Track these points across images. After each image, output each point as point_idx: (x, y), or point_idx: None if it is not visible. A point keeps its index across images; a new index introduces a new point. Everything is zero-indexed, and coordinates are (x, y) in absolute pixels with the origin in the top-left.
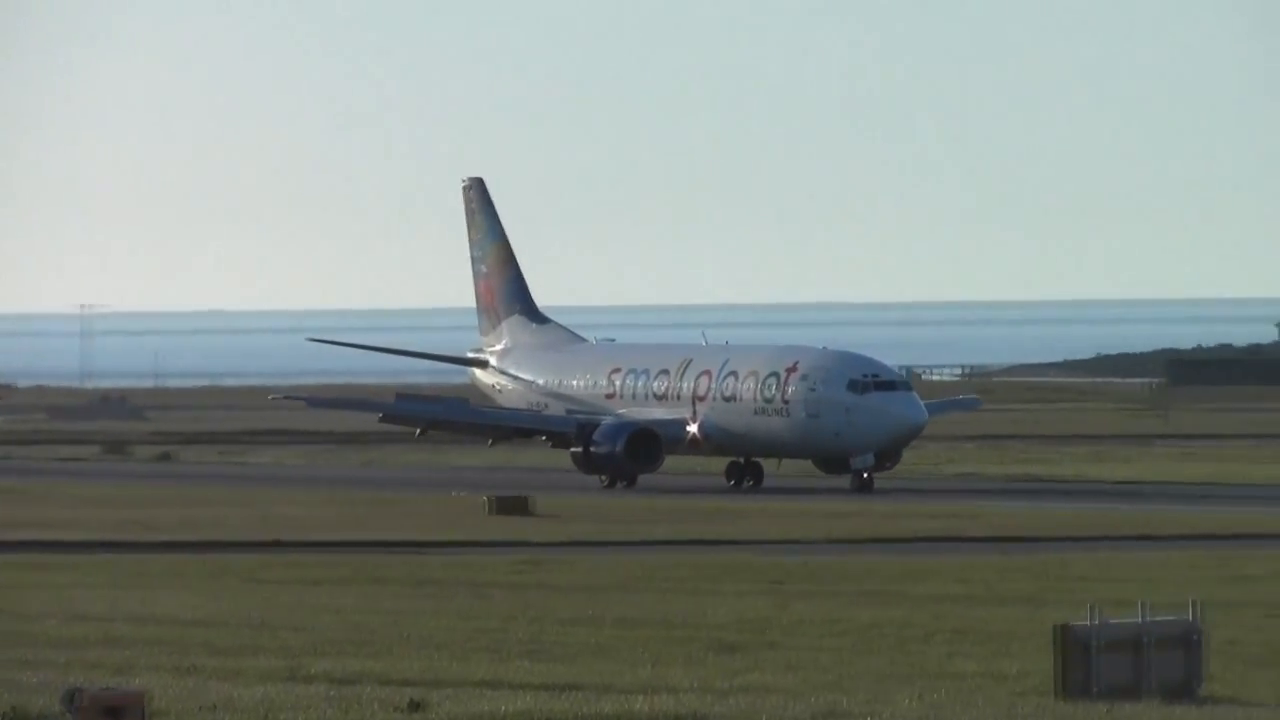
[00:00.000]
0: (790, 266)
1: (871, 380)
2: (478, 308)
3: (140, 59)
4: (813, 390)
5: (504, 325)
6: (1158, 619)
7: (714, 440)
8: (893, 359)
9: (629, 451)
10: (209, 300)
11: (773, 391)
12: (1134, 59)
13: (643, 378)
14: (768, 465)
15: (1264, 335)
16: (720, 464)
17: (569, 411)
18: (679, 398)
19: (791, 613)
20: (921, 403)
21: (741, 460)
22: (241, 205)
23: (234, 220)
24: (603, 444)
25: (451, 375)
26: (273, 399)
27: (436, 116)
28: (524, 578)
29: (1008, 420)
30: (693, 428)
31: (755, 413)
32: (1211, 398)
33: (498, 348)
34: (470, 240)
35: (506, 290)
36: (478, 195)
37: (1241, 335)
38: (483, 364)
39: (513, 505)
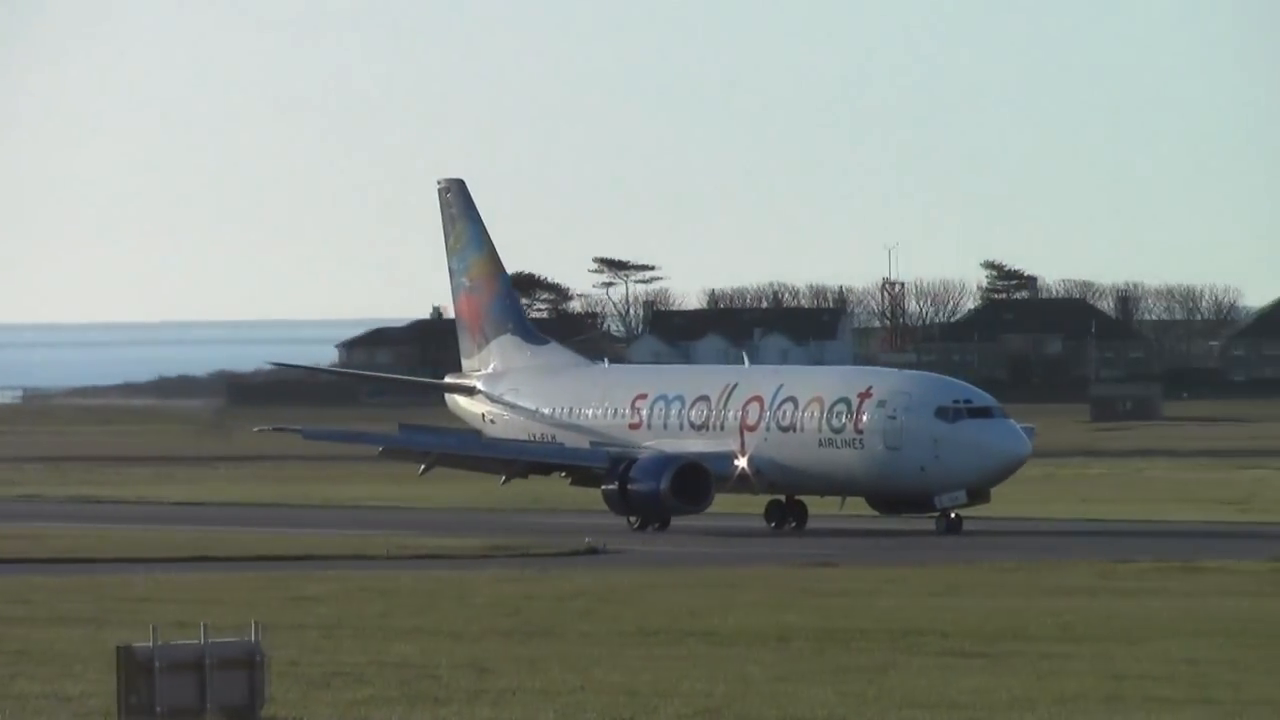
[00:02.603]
0: None
1: (964, 406)
2: (458, 326)
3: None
4: (892, 418)
5: (493, 346)
6: (219, 640)
7: (767, 476)
8: None
9: (675, 489)
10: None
11: (842, 421)
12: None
13: (676, 405)
14: (829, 505)
15: (324, 356)
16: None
17: (593, 444)
18: (723, 428)
19: None
20: (1023, 432)
21: (783, 499)
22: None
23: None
24: (642, 480)
25: None
26: (259, 431)
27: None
28: None
29: (68, 442)
30: (741, 461)
31: (820, 444)
32: (271, 418)
33: (485, 371)
34: (449, 250)
35: (495, 306)
36: (458, 199)
37: (302, 356)
38: (468, 390)
39: None
